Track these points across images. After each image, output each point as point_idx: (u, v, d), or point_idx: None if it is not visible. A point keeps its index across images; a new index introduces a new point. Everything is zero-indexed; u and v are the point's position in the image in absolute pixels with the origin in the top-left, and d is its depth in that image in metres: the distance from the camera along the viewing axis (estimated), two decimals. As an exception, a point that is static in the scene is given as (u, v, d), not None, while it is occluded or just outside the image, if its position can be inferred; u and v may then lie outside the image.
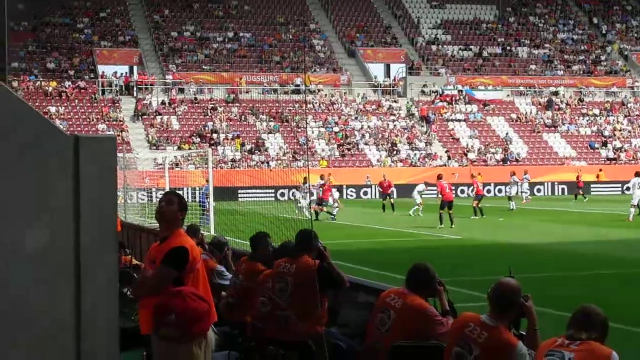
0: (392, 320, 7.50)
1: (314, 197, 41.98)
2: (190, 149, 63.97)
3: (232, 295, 10.43)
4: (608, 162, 72.15)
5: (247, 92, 74.76)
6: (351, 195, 64.14)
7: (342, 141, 70.54)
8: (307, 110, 72.97)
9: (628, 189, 40.22)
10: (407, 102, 76.77)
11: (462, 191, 66.96)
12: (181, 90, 73.85)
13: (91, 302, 3.35)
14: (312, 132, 70.86)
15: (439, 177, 38.68)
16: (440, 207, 36.22)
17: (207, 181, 39.57)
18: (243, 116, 71.73)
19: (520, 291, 6.41)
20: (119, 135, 63.62)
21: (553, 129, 75.96)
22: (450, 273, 17.14)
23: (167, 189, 30.98)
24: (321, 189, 42.92)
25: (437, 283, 7.65)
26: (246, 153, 67.32)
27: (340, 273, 8.86)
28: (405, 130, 73.04)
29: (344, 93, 77.05)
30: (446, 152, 71.51)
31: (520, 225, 35.74)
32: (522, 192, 54.29)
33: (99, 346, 3.37)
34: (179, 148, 64.74)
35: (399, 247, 27.01)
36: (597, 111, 78.83)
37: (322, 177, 44.60)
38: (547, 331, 7.25)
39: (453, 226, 34.60)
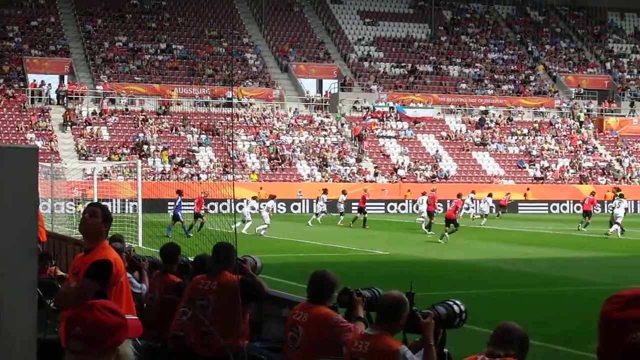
0: (301, 336, 7.43)
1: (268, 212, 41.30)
2: (119, 160, 63.50)
3: (150, 313, 10.33)
4: (535, 181, 73.06)
5: (178, 104, 74.47)
6: (281, 210, 64.11)
7: (272, 155, 70.57)
8: (238, 124, 72.88)
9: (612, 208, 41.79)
10: (339, 118, 77.05)
11: (392, 207, 67.42)
12: (112, 101, 73.30)
13: (8, 313, 3.32)
14: (243, 146, 70.79)
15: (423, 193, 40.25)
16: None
17: (179, 193, 39.45)
18: (174, 128, 71.43)
19: (406, 304, 6.40)
20: (47, 145, 62.98)
21: (482, 147, 76.75)
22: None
23: (96, 200, 30.74)
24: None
25: (356, 294, 7.55)
26: (176, 165, 67.00)
27: (261, 282, 8.87)
28: (336, 146, 73.29)
29: (276, 107, 77.11)
30: (375, 167, 71.85)
31: (450, 243, 35.99)
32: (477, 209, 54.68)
33: (15, 357, 3.34)
34: (109, 159, 64.23)
35: (327, 262, 27.02)
36: (525, 131, 79.85)
37: (254, 198, 44.12)
38: (469, 348, 7.32)
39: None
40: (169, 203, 59.20)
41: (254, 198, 43.52)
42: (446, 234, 36.52)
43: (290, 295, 11.05)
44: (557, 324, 15.78)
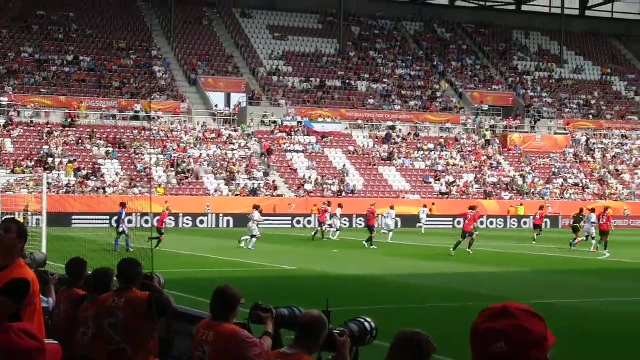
0: (208, 356, 7.34)
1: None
2: (24, 172, 62.57)
3: (56, 329, 10.23)
4: (440, 196, 73.91)
5: (85, 117, 73.71)
6: (187, 224, 63.88)
7: (180, 169, 70.25)
8: (145, 137, 72.40)
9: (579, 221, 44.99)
10: (244, 128, 77.06)
11: (298, 222, 67.56)
12: (17, 113, 72.22)
13: None
14: (151, 159, 70.29)
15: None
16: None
17: (122, 206, 38.91)
18: (80, 141, 70.65)
19: (325, 322, 6.36)
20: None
21: (389, 162, 77.41)
22: (272, 304, 17.23)
23: (-1, 214, 30.26)
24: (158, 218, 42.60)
25: (264, 310, 7.49)
26: (82, 178, 66.27)
27: (169, 298, 8.84)
28: (244, 160, 73.25)
29: (184, 121, 76.79)
30: (284, 182, 72.01)
31: (355, 258, 36.24)
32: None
33: None
34: (12, 172, 63.22)
35: (234, 277, 27.00)
36: (431, 146, 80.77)
37: (167, 209, 43.95)
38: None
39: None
40: (74, 217, 58.72)
41: (256, 208, 42.97)
42: (468, 249, 37.86)
43: (201, 313, 11.06)
44: (462, 339, 16.01)
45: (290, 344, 6.42)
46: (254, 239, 40.51)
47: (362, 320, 6.71)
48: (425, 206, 65.82)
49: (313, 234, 50.49)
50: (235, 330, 7.34)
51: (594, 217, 42.71)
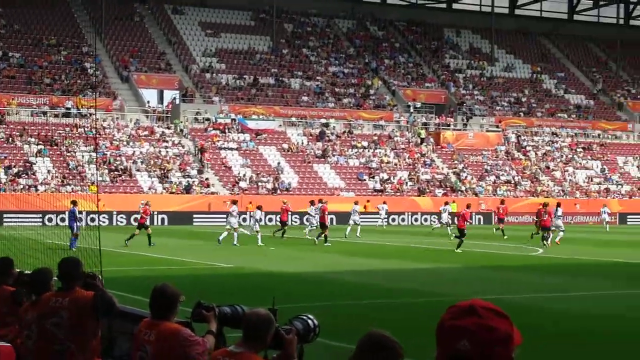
0: (150, 356, 7.27)
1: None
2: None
3: None
4: (375, 193, 74.20)
5: (15, 113, 72.76)
6: (121, 222, 63.39)
7: (113, 167, 69.66)
8: (77, 134, 71.68)
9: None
10: (177, 124, 76.70)
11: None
12: (-55, 110, 71.09)
13: None
14: (83, 157, 69.65)
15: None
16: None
17: (73, 203, 38.56)
18: (10, 138, 69.71)
19: (272, 321, 6.37)
20: None
21: (323, 159, 77.55)
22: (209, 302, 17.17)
23: None
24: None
25: (206, 308, 7.45)
26: (12, 176, 65.41)
27: (112, 297, 8.76)
28: (178, 158, 72.89)
29: (116, 118, 76.17)
30: (218, 179, 71.78)
31: (291, 255, 36.27)
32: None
33: None
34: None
35: (171, 275, 26.87)
36: (365, 143, 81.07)
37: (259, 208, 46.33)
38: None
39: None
40: (5, 216, 57.94)
41: (259, 208, 45.68)
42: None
43: (141, 311, 10.97)
44: (408, 336, 16.08)
45: (238, 342, 6.40)
46: (259, 235, 43.02)
47: (305, 317, 6.73)
48: (385, 202, 66.67)
49: (274, 232, 49.65)
50: (177, 329, 7.30)
51: (560, 211, 45.18)
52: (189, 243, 44.05)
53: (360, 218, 52.10)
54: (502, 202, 57.00)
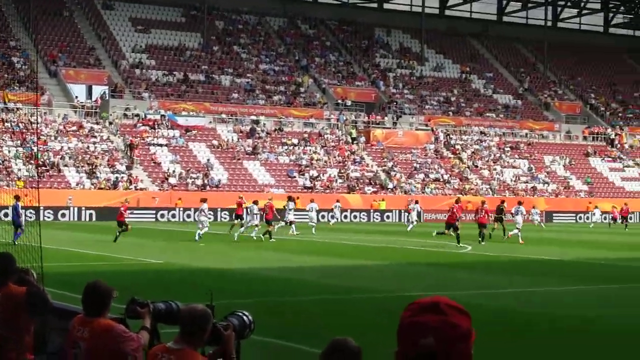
0: (84, 352, 7.21)
1: None
2: None
3: None
4: (305, 190, 74.31)
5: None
6: (48, 217, 62.66)
7: (40, 162, 68.84)
8: (4, 129, 70.75)
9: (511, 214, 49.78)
10: (106, 117, 76.07)
11: (162, 215, 67.14)
12: None
13: None
14: (9, 152, 68.74)
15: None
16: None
17: (16, 198, 38.04)
18: None
19: (210, 317, 6.36)
20: None
21: (253, 156, 77.47)
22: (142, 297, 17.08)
23: None
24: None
25: (140, 304, 7.40)
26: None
27: (46, 293, 8.69)
28: (106, 153, 72.27)
29: (44, 113, 75.26)
30: (147, 175, 71.35)
31: (221, 251, 36.20)
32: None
33: None
34: None
35: (100, 271, 26.70)
36: (295, 141, 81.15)
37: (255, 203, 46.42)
38: (260, 358, 7.45)
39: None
40: None
41: (255, 203, 46.14)
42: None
43: (75, 308, 10.88)
44: (329, 330, 16.13)
45: (176, 339, 6.36)
46: (256, 229, 45.05)
47: (241, 314, 6.75)
48: (338, 201, 67.78)
49: (230, 228, 48.20)
50: (111, 326, 7.24)
51: (523, 210, 47.77)
52: (119, 239, 43.62)
53: (295, 215, 51.86)
54: (483, 202, 55.33)
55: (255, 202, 46.73)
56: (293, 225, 49.91)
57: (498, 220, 49.20)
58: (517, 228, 45.97)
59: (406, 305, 3.39)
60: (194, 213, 66.86)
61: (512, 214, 49.26)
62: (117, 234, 41.14)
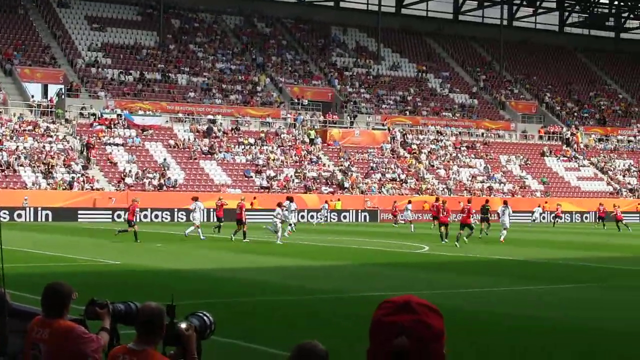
0: (44, 354, 7.19)
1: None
2: None
3: None
4: (262, 190, 74.28)
5: None
6: (4, 218, 62.20)
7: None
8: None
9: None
10: (65, 124, 75.54)
11: (119, 216, 66.76)
12: None
13: None
14: (-36, 151, 68.12)
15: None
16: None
17: None
18: None
19: (163, 312, 6.33)
20: None
21: (210, 156, 77.29)
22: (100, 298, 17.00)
23: None
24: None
25: (100, 305, 7.39)
26: None
27: (5, 293, 8.62)
28: (62, 153, 71.79)
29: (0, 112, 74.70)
30: (103, 175, 70.97)
31: (179, 252, 36.09)
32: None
33: None
34: None
35: (58, 272, 26.52)
36: (252, 140, 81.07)
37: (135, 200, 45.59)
38: (214, 357, 7.42)
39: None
40: None
41: (290, 199, 47.39)
42: (465, 237, 41.57)
43: (34, 309, 10.82)
44: (302, 332, 16.17)
45: (135, 340, 6.35)
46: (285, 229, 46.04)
47: (201, 314, 6.74)
48: (326, 202, 69.18)
49: (233, 234, 45.25)
50: (71, 327, 7.22)
51: (510, 210, 48.69)
52: (75, 240, 43.42)
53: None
54: (437, 199, 55.53)
55: (290, 199, 47.88)
56: (291, 227, 49.98)
57: (484, 220, 50.04)
58: (504, 229, 46.31)
59: (378, 304, 3.39)
60: (151, 213, 66.80)
61: (498, 214, 50.29)
62: (134, 231, 41.67)
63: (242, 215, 44.41)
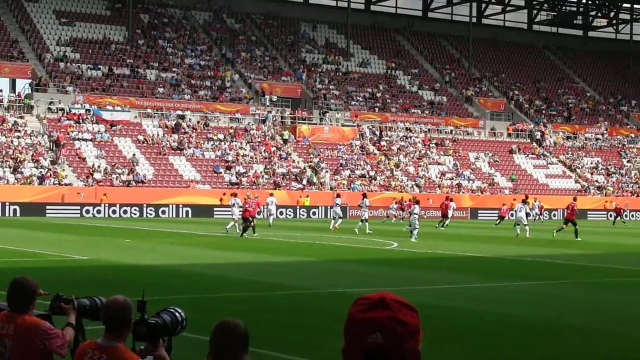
0: (9, 350, 7.17)
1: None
2: None
3: None
4: (231, 186, 74.13)
5: None
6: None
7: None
8: None
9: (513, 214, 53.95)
10: (34, 119, 75.12)
11: (87, 211, 66.56)
12: None
13: None
14: None
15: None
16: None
17: None
18: None
19: (131, 306, 6.33)
20: None
21: (179, 152, 77.11)
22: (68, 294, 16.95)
23: None
24: None
25: (65, 301, 7.37)
26: None
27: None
28: (30, 148, 71.39)
29: (-34, 107, 74.14)
30: (72, 170, 70.64)
31: (148, 248, 35.99)
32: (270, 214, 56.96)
33: None
34: None
35: (23, 267, 26.38)
36: (221, 136, 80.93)
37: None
38: (191, 354, 7.42)
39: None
40: None
41: (365, 196, 51.34)
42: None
43: (1, 304, 10.79)
44: (267, 328, 16.21)
45: (105, 335, 6.33)
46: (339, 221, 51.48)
47: (173, 310, 6.74)
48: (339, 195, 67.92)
49: (240, 232, 44.60)
50: (36, 322, 7.22)
51: (527, 207, 50.51)
52: (43, 235, 43.21)
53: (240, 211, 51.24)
54: (448, 198, 60.14)
55: (364, 195, 51.76)
56: (366, 223, 50.37)
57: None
58: (525, 225, 47.84)
59: (345, 300, 3.40)
60: (120, 209, 66.58)
61: (515, 211, 51.58)
62: (244, 229, 43.36)
63: (253, 212, 44.52)
